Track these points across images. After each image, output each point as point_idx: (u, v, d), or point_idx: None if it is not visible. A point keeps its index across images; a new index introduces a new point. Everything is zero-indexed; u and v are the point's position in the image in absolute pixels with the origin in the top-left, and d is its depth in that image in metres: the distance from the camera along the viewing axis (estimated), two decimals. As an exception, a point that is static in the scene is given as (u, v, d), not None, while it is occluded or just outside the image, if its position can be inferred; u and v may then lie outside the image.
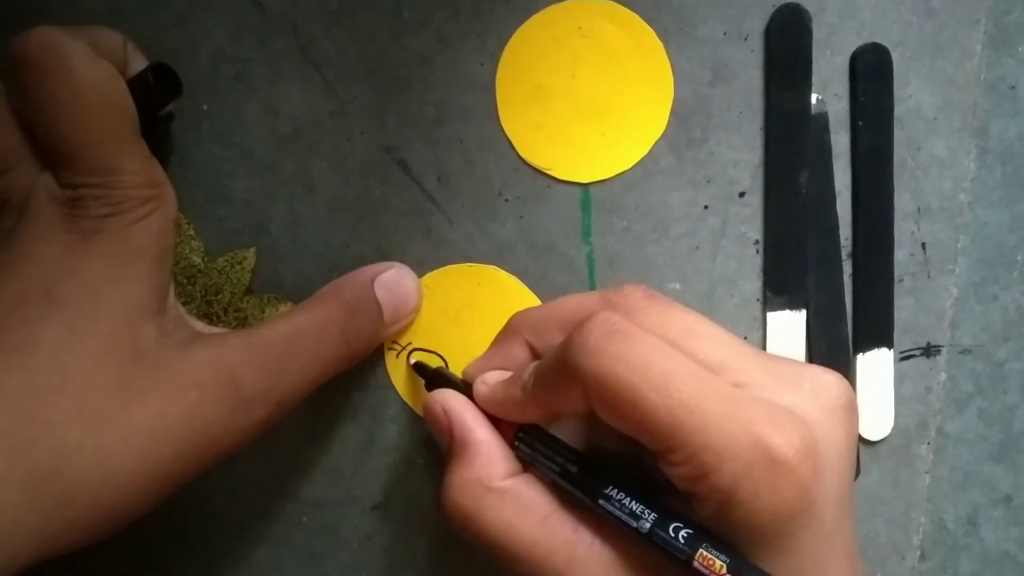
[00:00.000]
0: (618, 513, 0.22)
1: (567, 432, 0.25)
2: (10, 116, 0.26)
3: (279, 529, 0.33)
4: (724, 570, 0.20)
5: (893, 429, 0.31)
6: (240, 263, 0.31)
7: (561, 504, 0.23)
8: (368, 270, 0.30)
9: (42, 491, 0.22)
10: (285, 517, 0.33)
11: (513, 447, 0.25)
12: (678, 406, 0.20)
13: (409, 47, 0.31)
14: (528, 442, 0.24)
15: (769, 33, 0.30)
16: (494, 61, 0.30)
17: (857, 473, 0.31)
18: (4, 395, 0.23)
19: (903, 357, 0.31)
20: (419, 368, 0.30)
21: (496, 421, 0.25)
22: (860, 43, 0.30)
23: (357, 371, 0.31)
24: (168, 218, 0.26)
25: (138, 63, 0.28)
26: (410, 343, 0.31)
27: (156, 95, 0.28)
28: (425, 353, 0.31)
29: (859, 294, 0.30)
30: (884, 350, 0.30)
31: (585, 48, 0.30)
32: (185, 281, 0.31)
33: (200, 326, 0.28)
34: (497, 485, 0.24)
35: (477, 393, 0.26)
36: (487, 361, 0.27)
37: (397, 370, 0.32)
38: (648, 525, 0.21)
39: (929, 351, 0.31)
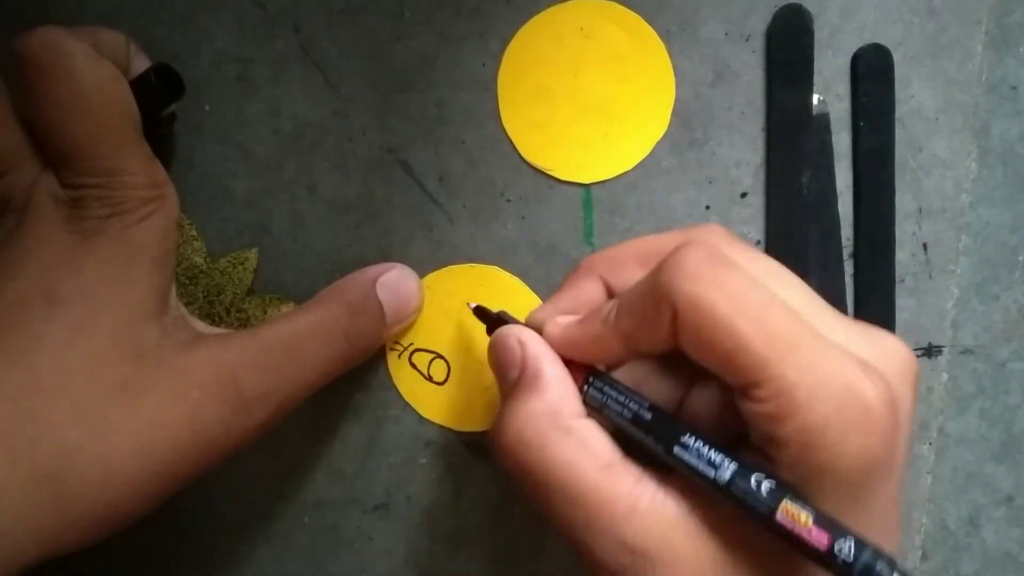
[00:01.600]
0: (695, 462, 0.20)
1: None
2: (12, 116, 0.26)
3: (281, 529, 0.33)
4: (810, 523, 0.18)
5: (895, 429, 0.31)
6: (242, 263, 0.31)
7: (624, 455, 0.22)
8: (370, 271, 0.30)
9: (43, 491, 0.22)
10: (287, 517, 0.33)
11: (582, 391, 0.24)
12: (774, 339, 0.19)
13: (411, 47, 0.31)
14: (599, 387, 0.23)
15: (771, 33, 0.30)
16: (496, 61, 0.30)
17: None
18: (6, 394, 0.23)
19: (905, 357, 0.31)
20: (480, 312, 0.28)
21: (565, 364, 0.24)
22: (861, 44, 0.30)
23: (359, 371, 0.31)
24: (170, 219, 0.26)
25: (140, 63, 0.28)
26: (412, 343, 0.31)
27: (158, 96, 0.28)
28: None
29: (860, 294, 0.30)
30: (886, 350, 0.30)
31: (587, 49, 0.30)
32: (187, 281, 0.31)
33: (202, 326, 0.28)
34: (565, 422, 0.22)
35: (548, 334, 0.24)
36: (555, 305, 0.26)
37: (399, 371, 0.32)
38: (727, 475, 0.20)
39: (931, 351, 0.31)
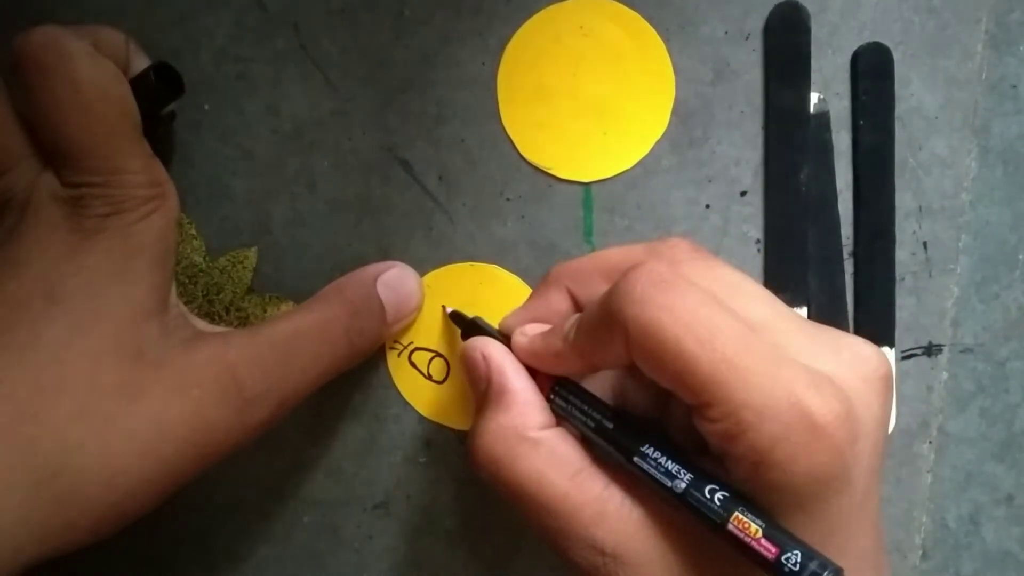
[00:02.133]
0: (653, 472, 0.21)
1: (596, 393, 0.25)
2: (12, 115, 0.26)
3: (281, 528, 0.33)
4: (759, 534, 0.19)
5: (895, 428, 0.31)
6: (242, 262, 0.31)
7: (592, 460, 0.23)
8: (371, 269, 0.30)
9: (44, 490, 0.22)
10: (287, 516, 0.33)
11: (548, 400, 0.24)
12: (721, 361, 0.19)
13: (410, 46, 0.31)
14: (564, 396, 0.24)
15: (768, 31, 0.30)
16: (495, 60, 0.30)
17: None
18: (6, 394, 0.23)
19: (904, 356, 0.31)
20: (456, 317, 0.29)
21: (532, 373, 0.25)
22: (861, 42, 0.30)
23: (359, 371, 0.31)
24: (170, 217, 0.26)
25: (140, 62, 0.28)
26: (411, 342, 0.31)
27: (158, 94, 0.28)
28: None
29: (860, 293, 0.30)
30: (886, 349, 0.30)
31: (586, 47, 0.30)
32: (187, 280, 0.31)
33: (202, 325, 0.28)
34: (532, 435, 0.23)
35: (516, 344, 0.25)
36: (526, 312, 0.26)
37: (399, 370, 0.32)
38: (683, 485, 0.21)
39: (931, 350, 0.31)
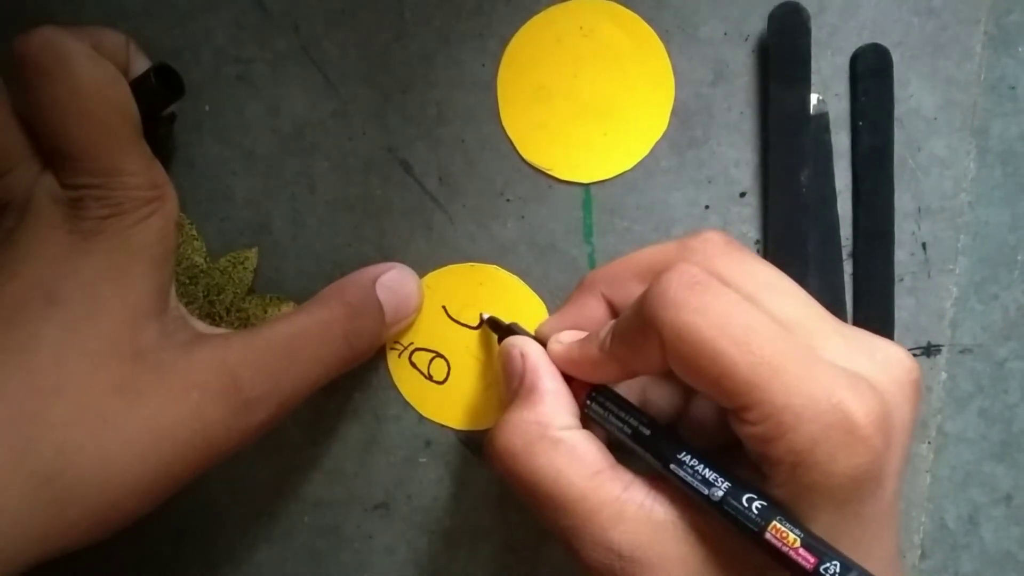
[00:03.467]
0: (690, 479, 0.21)
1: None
2: (12, 117, 0.26)
3: (281, 528, 0.33)
4: (798, 544, 0.19)
5: (894, 428, 0.31)
6: (242, 263, 0.31)
7: (614, 463, 0.23)
8: (370, 271, 0.30)
9: (44, 491, 0.22)
10: (287, 516, 0.33)
11: (583, 406, 0.24)
12: (759, 363, 0.19)
13: (411, 47, 0.31)
14: (600, 402, 0.24)
15: (768, 32, 0.30)
16: (496, 61, 0.30)
17: None
18: (5, 395, 0.23)
19: (904, 356, 0.31)
20: (493, 323, 0.30)
21: (567, 380, 0.25)
22: (861, 43, 0.30)
23: (359, 371, 0.31)
24: (169, 219, 0.26)
25: (140, 64, 0.28)
26: (412, 343, 0.31)
27: (158, 96, 0.28)
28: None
29: (860, 293, 0.30)
30: (885, 349, 0.30)
31: (586, 48, 0.30)
32: (187, 281, 0.31)
33: (202, 326, 0.28)
34: (553, 433, 0.23)
35: (552, 351, 0.25)
36: (562, 319, 0.26)
37: (399, 370, 0.32)
38: (720, 493, 0.20)
39: (930, 350, 0.31)
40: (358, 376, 0.32)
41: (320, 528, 0.33)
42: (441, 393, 0.31)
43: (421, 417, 0.32)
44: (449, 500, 0.32)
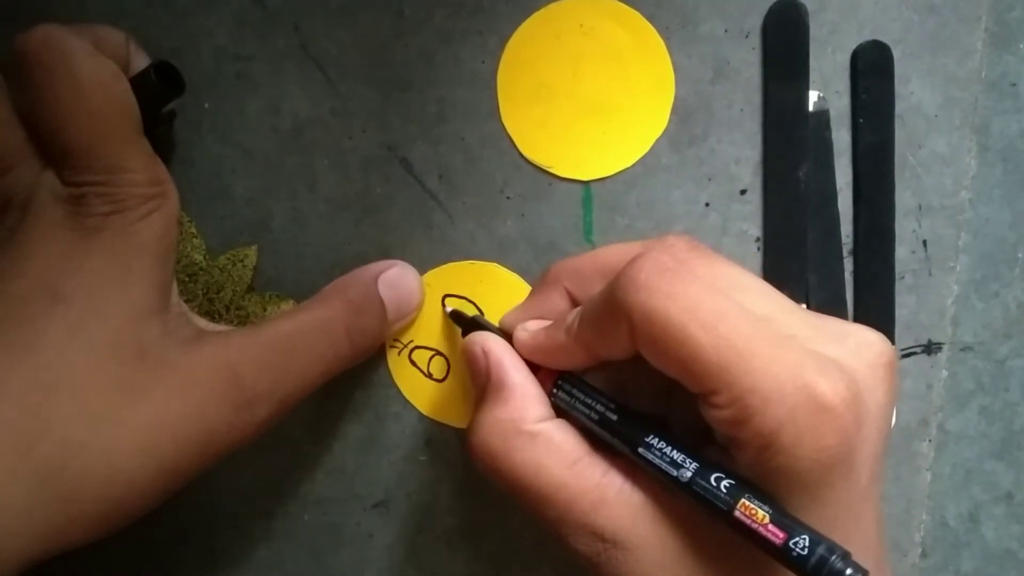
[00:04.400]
0: (658, 461, 0.21)
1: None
2: (13, 114, 0.26)
3: (281, 526, 0.33)
4: (767, 520, 0.19)
5: (894, 426, 0.31)
6: (242, 261, 0.31)
7: (591, 449, 0.23)
8: (371, 268, 0.30)
9: (47, 488, 0.22)
10: (287, 515, 0.33)
11: (551, 395, 0.25)
12: (726, 346, 0.19)
13: (410, 45, 0.31)
14: (567, 389, 0.24)
15: (766, 29, 0.30)
16: (495, 59, 0.30)
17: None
18: (9, 392, 0.23)
19: (904, 354, 0.31)
20: (456, 316, 0.29)
21: (534, 369, 0.25)
22: (861, 40, 0.30)
23: (359, 369, 0.31)
24: (171, 216, 0.26)
25: (140, 61, 0.28)
26: (412, 341, 0.31)
27: (159, 93, 0.28)
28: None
29: (860, 291, 0.30)
30: (885, 347, 0.30)
31: (587, 46, 0.30)
32: (187, 279, 0.31)
33: (203, 323, 0.28)
34: (528, 428, 0.23)
35: (517, 340, 0.25)
36: (525, 310, 0.27)
37: (399, 368, 0.32)
38: (689, 474, 0.21)
39: (930, 348, 0.31)
40: (358, 375, 0.32)
41: (320, 526, 0.33)
42: (441, 391, 0.31)
43: (421, 415, 0.32)
44: (449, 499, 0.32)
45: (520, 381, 0.24)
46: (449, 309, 0.30)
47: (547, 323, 0.25)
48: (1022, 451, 0.31)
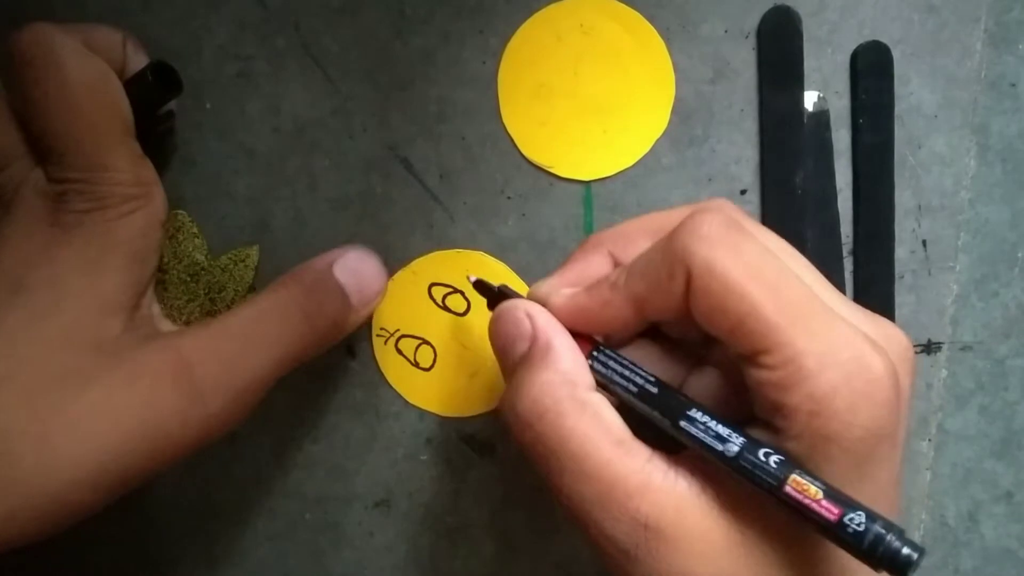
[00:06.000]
0: (702, 436, 0.20)
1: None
2: (8, 114, 0.26)
3: (282, 526, 0.33)
4: (820, 496, 0.18)
5: (894, 426, 0.31)
6: (243, 260, 0.31)
7: (634, 432, 0.22)
8: (326, 255, 0.28)
9: None
10: (288, 514, 0.33)
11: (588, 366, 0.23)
12: (787, 306, 0.19)
13: (411, 44, 0.31)
14: (603, 361, 0.23)
15: (760, 35, 0.30)
16: (496, 59, 0.30)
17: None
18: None
19: (904, 354, 0.31)
20: (480, 286, 0.27)
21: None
22: (861, 41, 0.30)
23: (359, 368, 0.31)
24: (153, 218, 0.26)
25: (138, 61, 0.28)
26: (398, 329, 0.31)
27: (155, 93, 0.28)
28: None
29: (860, 291, 0.30)
30: (885, 347, 0.30)
31: (587, 46, 0.30)
32: (188, 279, 0.31)
33: (168, 327, 0.28)
34: (581, 394, 0.22)
35: (554, 305, 0.24)
36: (562, 277, 0.25)
37: (386, 357, 0.31)
38: (736, 448, 0.20)
39: (930, 348, 0.31)
40: (359, 374, 0.32)
41: (321, 525, 0.33)
42: (428, 380, 0.31)
43: (422, 415, 0.32)
44: (450, 497, 0.32)
45: (569, 345, 0.23)
46: (473, 279, 0.28)
47: (585, 287, 0.24)
48: (1021, 450, 0.31)
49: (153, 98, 0.28)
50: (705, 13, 0.30)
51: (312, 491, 0.32)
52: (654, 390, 0.22)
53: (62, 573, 0.33)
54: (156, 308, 0.28)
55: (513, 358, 0.24)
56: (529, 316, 0.24)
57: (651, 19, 0.30)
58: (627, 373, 0.22)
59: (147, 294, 0.27)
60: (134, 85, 0.27)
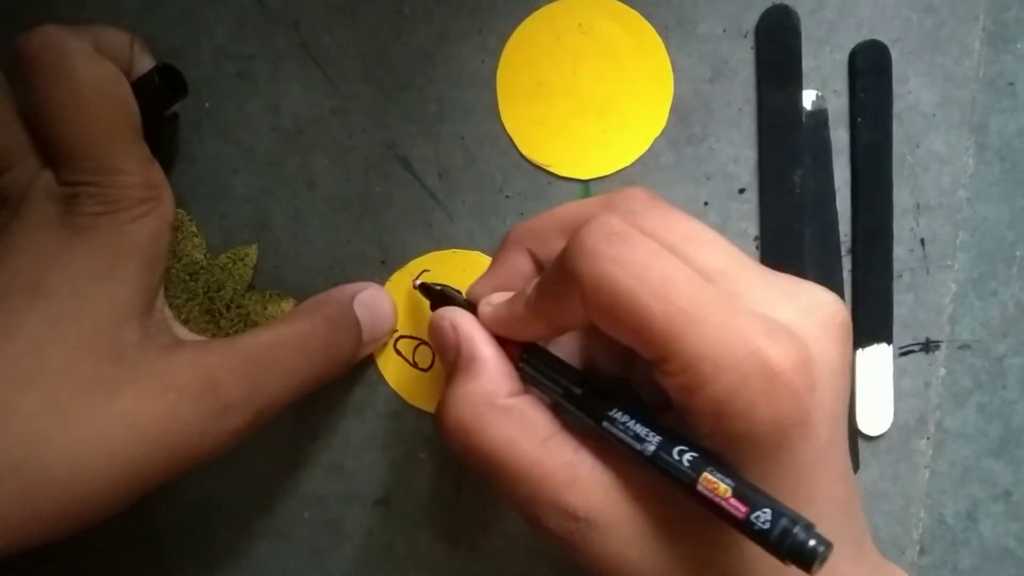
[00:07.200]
0: (622, 435, 0.21)
1: (563, 356, 0.25)
2: (14, 115, 0.26)
3: (281, 524, 0.33)
4: (729, 494, 0.19)
5: (892, 424, 0.31)
6: (242, 259, 0.31)
7: (562, 427, 0.23)
8: (347, 288, 0.30)
9: (8, 481, 0.22)
10: (287, 512, 0.33)
11: (517, 368, 0.24)
12: (676, 313, 0.19)
13: (410, 44, 0.31)
14: (532, 363, 0.24)
15: (759, 34, 0.30)
16: (495, 58, 0.31)
17: (856, 467, 0.31)
18: None
19: (902, 353, 0.31)
20: (424, 289, 0.29)
21: (501, 342, 0.25)
22: (859, 40, 0.30)
23: (359, 367, 0.31)
24: (163, 220, 0.26)
25: (145, 63, 0.28)
26: (397, 330, 0.31)
27: (161, 96, 0.28)
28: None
29: (858, 290, 0.30)
30: (883, 346, 0.30)
31: (585, 45, 0.30)
32: (187, 278, 0.31)
33: (183, 332, 0.28)
34: (501, 402, 0.23)
35: (482, 314, 0.25)
36: (490, 279, 0.26)
37: (385, 358, 0.32)
38: (652, 448, 0.21)
39: (928, 346, 0.31)
40: (359, 373, 0.32)
41: (320, 524, 0.33)
42: (427, 380, 0.32)
43: (421, 414, 0.32)
44: (449, 496, 0.32)
45: (490, 355, 0.24)
46: (418, 282, 0.29)
47: (511, 294, 0.25)
48: (1020, 449, 0.31)
49: (159, 100, 0.28)
50: (703, 12, 0.30)
51: (311, 490, 0.33)
52: (578, 391, 0.23)
53: (62, 572, 0.33)
54: (168, 311, 0.28)
55: (447, 366, 0.25)
56: (453, 327, 0.25)
57: (649, 18, 0.30)
58: (553, 375, 0.23)
59: (159, 298, 0.27)
60: (140, 88, 0.27)
